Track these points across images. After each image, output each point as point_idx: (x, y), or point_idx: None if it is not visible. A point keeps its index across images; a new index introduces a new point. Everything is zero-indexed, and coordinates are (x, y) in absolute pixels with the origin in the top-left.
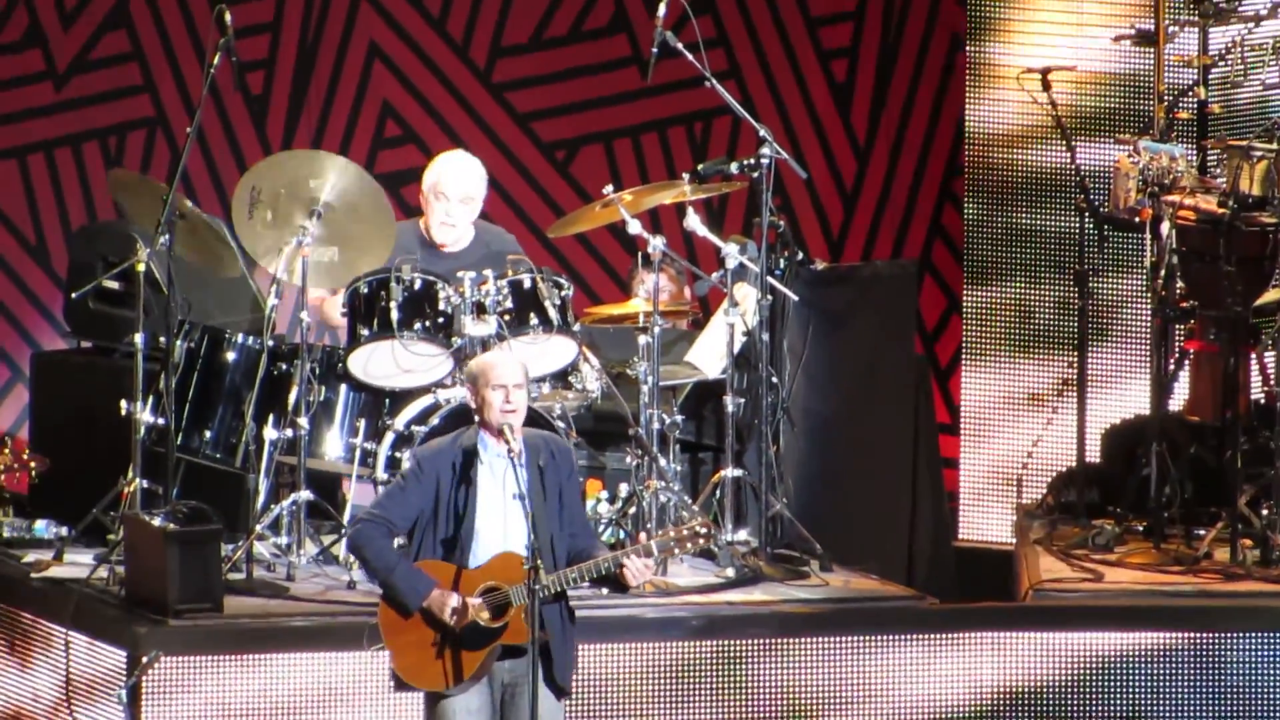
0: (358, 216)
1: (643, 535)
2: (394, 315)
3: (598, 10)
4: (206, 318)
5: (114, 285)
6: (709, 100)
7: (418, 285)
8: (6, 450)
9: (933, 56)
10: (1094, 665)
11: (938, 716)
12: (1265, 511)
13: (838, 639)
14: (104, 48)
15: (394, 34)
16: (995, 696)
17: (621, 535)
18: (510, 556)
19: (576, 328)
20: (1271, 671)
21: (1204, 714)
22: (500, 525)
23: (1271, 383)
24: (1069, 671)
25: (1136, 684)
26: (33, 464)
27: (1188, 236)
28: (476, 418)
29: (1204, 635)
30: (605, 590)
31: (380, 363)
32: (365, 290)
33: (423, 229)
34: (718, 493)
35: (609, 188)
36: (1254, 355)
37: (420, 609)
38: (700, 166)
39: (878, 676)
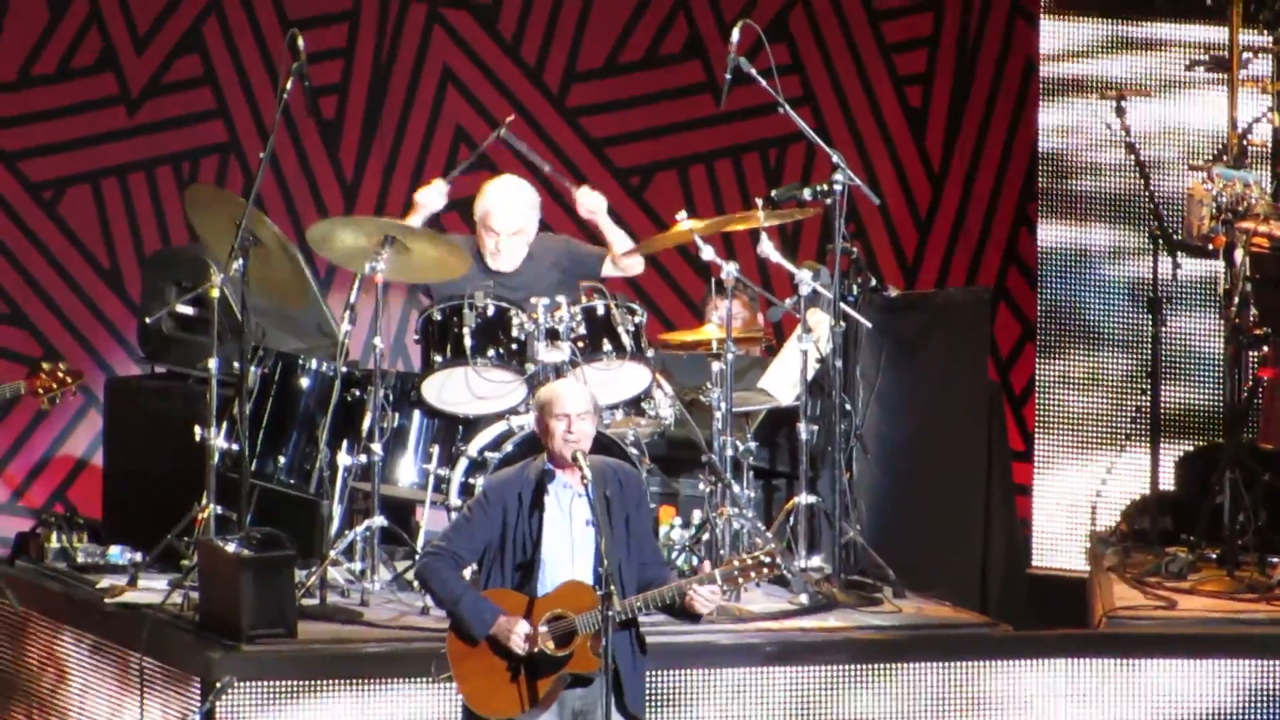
0: (414, 256)
1: (706, 564)
2: (467, 342)
3: (672, 36)
4: (280, 344)
5: (188, 310)
6: (783, 127)
7: (491, 312)
8: (43, 373)
9: (1007, 81)
10: (1168, 693)
11: None
12: None
13: (911, 665)
14: (177, 71)
15: (467, 59)
16: (1075, 717)
17: (695, 561)
18: (577, 585)
19: (650, 354)
20: None
21: None
22: (568, 554)
23: None
24: (1143, 699)
25: (1211, 713)
26: (69, 379)
27: (1262, 264)
28: (545, 447)
29: (1278, 664)
30: (677, 619)
31: (454, 389)
32: (439, 317)
33: (480, 254)
34: (791, 519)
35: (683, 214)
36: None
37: (486, 637)
38: (774, 193)
39: (951, 703)
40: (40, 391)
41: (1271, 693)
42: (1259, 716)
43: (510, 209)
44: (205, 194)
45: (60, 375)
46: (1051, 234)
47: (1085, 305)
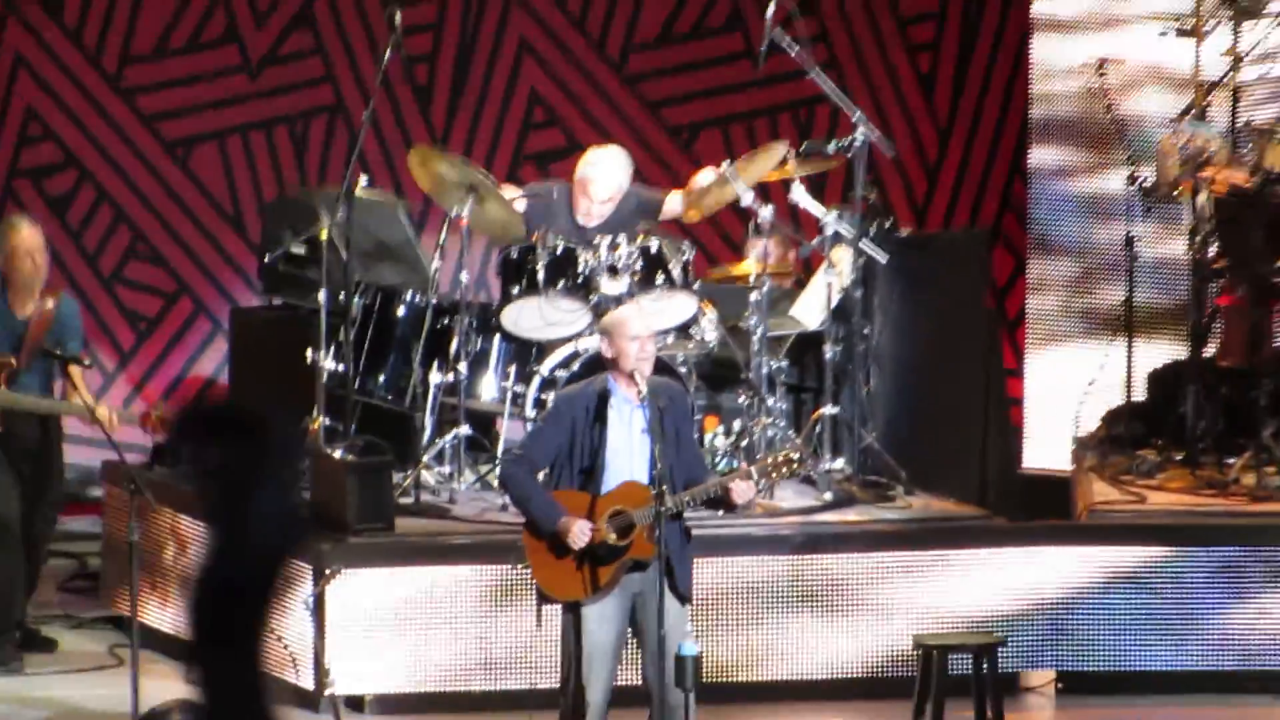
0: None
1: (744, 466)
2: (540, 276)
3: (716, 10)
4: (379, 279)
5: (300, 250)
6: (812, 89)
7: (559, 250)
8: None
9: (1005, 49)
10: (1140, 576)
11: (1005, 617)
12: None
13: (920, 553)
14: (291, 44)
15: (541, 31)
16: (1054, 603)
17: (735, 464)
18: (634, 485)
19: (696, 286)
20: None
21: (1233, 617)
22: (627, 458)
23: None
24: (1118, 580)
25: (1176, 591)
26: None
27: (1221, 207)
28: (610, 365)
29: (1233, 550)
30: (720, 511)
31: (528, 317)
32: (515, 255)
33: (571, 205)
34: (817, 428)
35: (726, 163)
36: (1277, 309)
37: (557, 529)
38: (804, 145)
39: (953, 584)
40: (149, 430)
41: (1228, 573)
42: (1217, 594)
43: (606, 179)
44: (424, 154)
45: (161, 420)
46: (1041, 183)
47: (1070, 244)
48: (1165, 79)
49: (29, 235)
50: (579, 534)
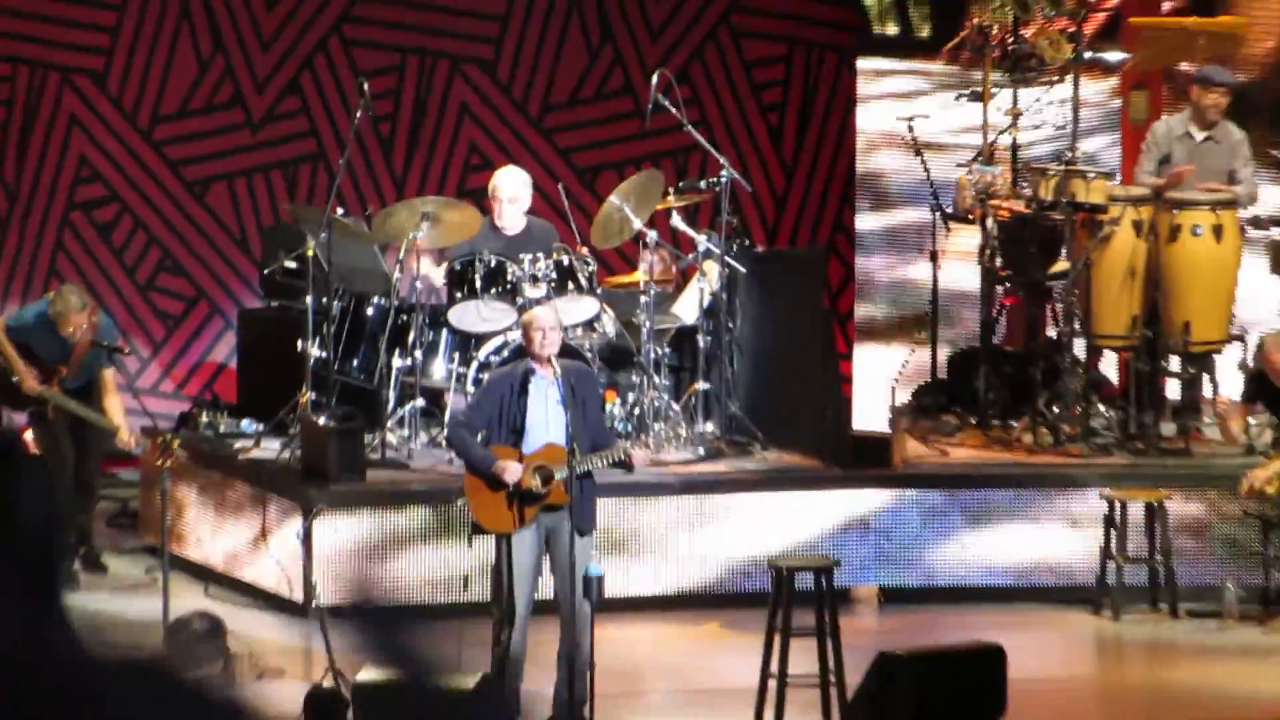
0: (442, 222)
1: (624, 442)
2: (478, 284)
3: (613, 78)
4: (353, 286)
5: (292, 265)
6: (687, 140)
7: (493, 264)
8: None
9: (836, 108)
10: (943, 512)
11: (838, 543)
12: (1055, 410)
13: (774, 494)
14: (284, 106)
15: (476, 96)
16: (877, 532)
17: (629, 429)
18: (554, 446)
19: (599, 292)
20: (1057, 513)
21: (1013, 543)
22: (544, 424)
23: (1060, 324)
24: (925, 515)
25: (970, 524)
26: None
27: (1004, 228)
28: (530, 352)
29: (1015, 491)
30: (623, 471)
31: (469, 315)
32: (458, 268)
33: (492, 220)
34: (692, 399)
35: (616, 197)
36: (1048, 307)
37: (490, 474)
38: (681, 183)
39: (798, 519)
40: (160, 462)
41: (1010, 509)
42: (1002, 525)
43: (508, 183)
44: (386, 211)
45: (168, 452)
46: (865, 211)
47: (888, 258)
48: (961, 132)
49: (75, 307)
50: (512, 472)
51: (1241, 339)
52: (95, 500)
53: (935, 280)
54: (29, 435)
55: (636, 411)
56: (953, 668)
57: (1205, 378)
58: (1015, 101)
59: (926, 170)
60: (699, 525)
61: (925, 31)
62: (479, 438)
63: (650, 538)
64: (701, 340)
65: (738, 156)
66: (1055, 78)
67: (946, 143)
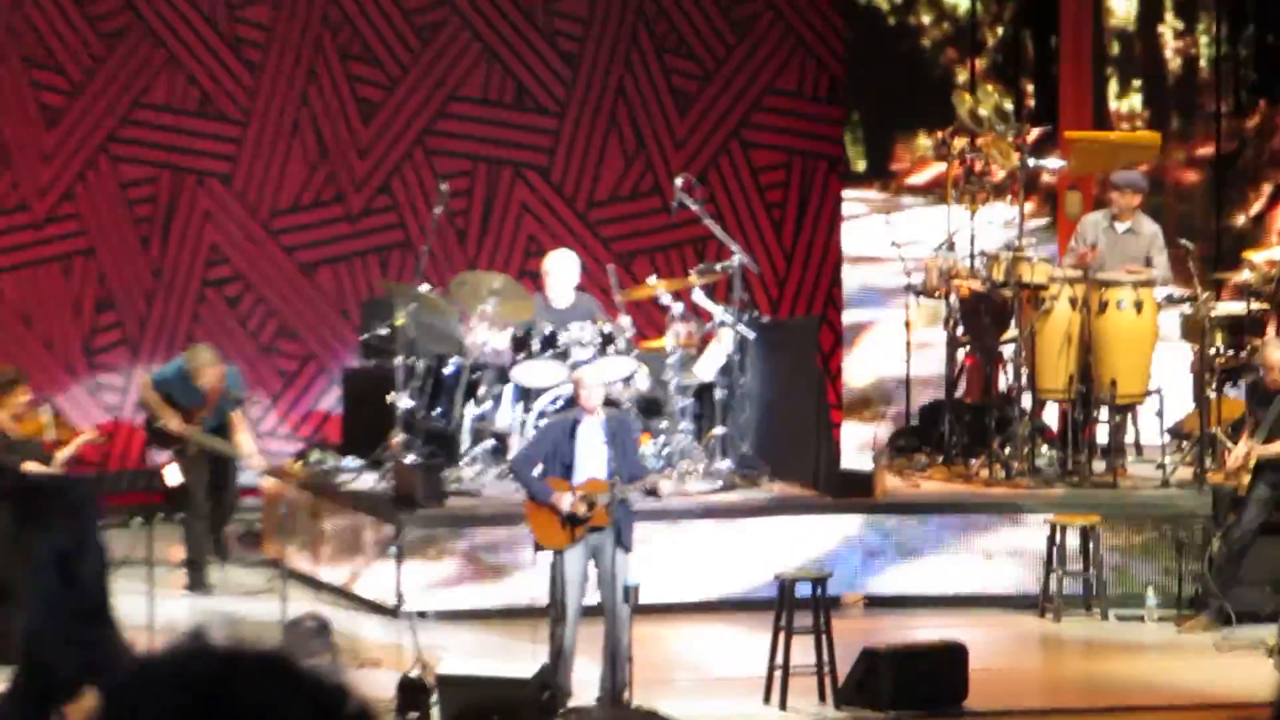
0: (506, 298)
1: (654, 475)
2: (536, 347)
3: (645, 180)
4: (435, 349)
5: (385, 331)
6: (705, 230)
7: (548, 331)
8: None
9: (827, 204)
10: (917, 535)
11: (832, 558)
12: (1006, 450)
13: (778, 519)
14: (377, 203)
15: (535, 197)
16: (863, 549)
17: (660, 465)
18: (596, 480)
19: (634, 354)
20: (1008, 535)
21: (975, 558)
22: (590, 461)
23: (1010, 381)
24: (903, 536)
25: (939, 542)
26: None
27: (964, 303)
28: (578, 402)
29: (975, 516)
30: (653, 497)
31: (529, 373)
32: (521, 334)
33: (545, 295)
34: (711, 441)
35: (653, 277)
36: (1000, 366)
37: (547, 502)
38: (701, 266)
39: (799, 538)
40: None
41: (971, 530)
42: (966, 544)
43: (558, 267)
44: (474, 280)
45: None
46: (851, 288)
47: (874, 326)
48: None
49: (207, 362)
50: (565, 501)
51: (1158, 393)
52: (229, 519)
53: (908, 346)
54: (171, 468)
55: (666, 451)
56: (924, 660)
57: (1129, 424)
58: (974, 200)
59: (901, 258)
60: (717, 544)
61: (861, 165)
62: (536, 471)
63: (677, 554)
64: (718, 393)
65: (746, 243)
66: (1005, 180)
67: (915, 238)
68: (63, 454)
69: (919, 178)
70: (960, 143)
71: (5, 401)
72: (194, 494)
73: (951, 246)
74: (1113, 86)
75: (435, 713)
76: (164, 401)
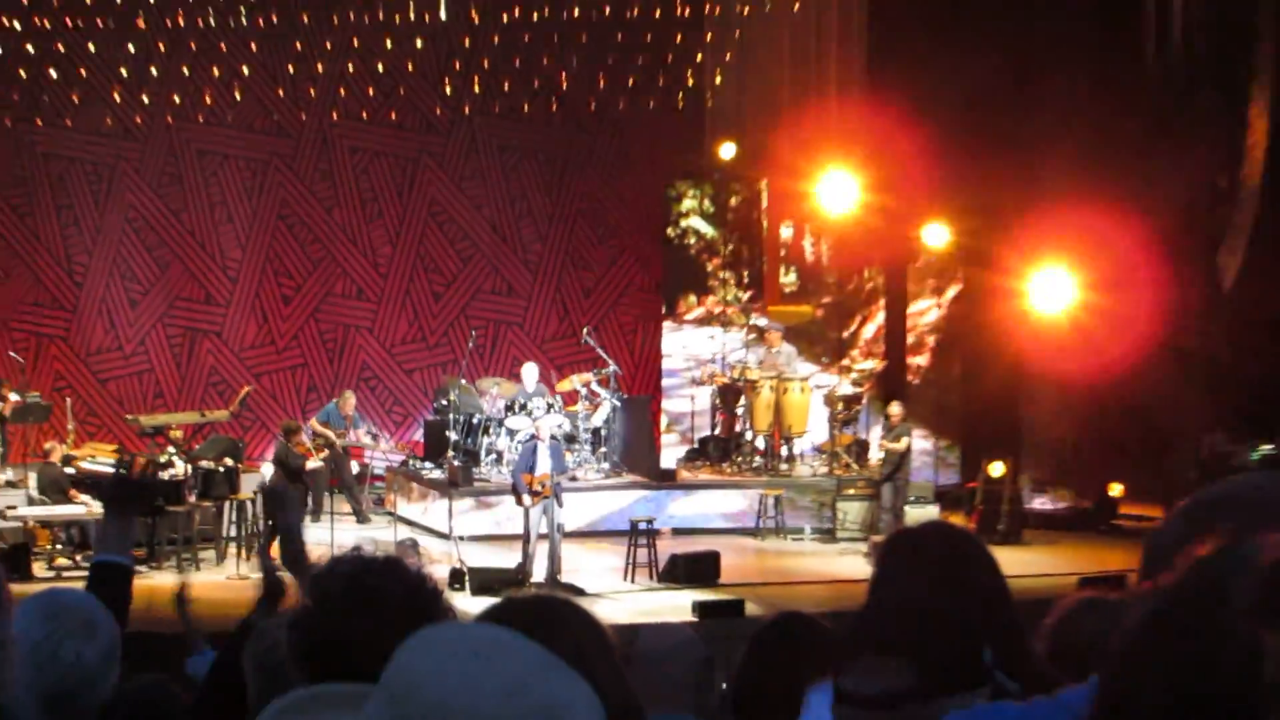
0: (502, 387)
1: (571, 471)
2: (516, 410)
3: (567, 327)
4: (470, 410)
5: (444, 402)
6: (595, 353)
7: (522, 401)
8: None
9: (654, 334)
10: (697, 498)
11: (656, 507)
12: (739, 457)
13: (628, 491)
14: (441, 341)
15: (518, 339)
16: (672, 503)
17: (574, 465)
18: (545, 474)
19: (563, 413)
20: (739, 499)
21: (729, 505)
22: (543, 465)
23: (740, 425)
24: (692, 499)
25: (707, 502)
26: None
27: (721, 390)
28: (538, 435)
29: (725, 491)
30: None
31: (514, 422)
32: (508, 404)
33: (523, 385)
34: (599, 454)
35: (573, 376)
36: (736, 419)
37: (522, 483)
38: (595, 371)
39: (639, 501)
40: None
41: (723, 495)
42: (719, 503)
43: (530, 371)
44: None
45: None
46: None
47: (674, 397)
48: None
49: (349, 404)
50: (529, 484)
51: (810, 430)
52: (361, 489)
53: (694, 408)
54: (314, 461)
55: (577, 459)
56: (699, 559)
57: (795, 445)
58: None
59: (699, 365)
60: (600, 503)
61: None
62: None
63: (581, 508)
64: (603, 431)
65: (616, 358)
66: (740, 324)
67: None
68: (235, 406)
69: (691, 316)
70: (715, 308)
71: (293, 439)
72: (344, 473)
73: (715, 360)
74: (787, 275)
75: (468, 584)
76: (324, 425)
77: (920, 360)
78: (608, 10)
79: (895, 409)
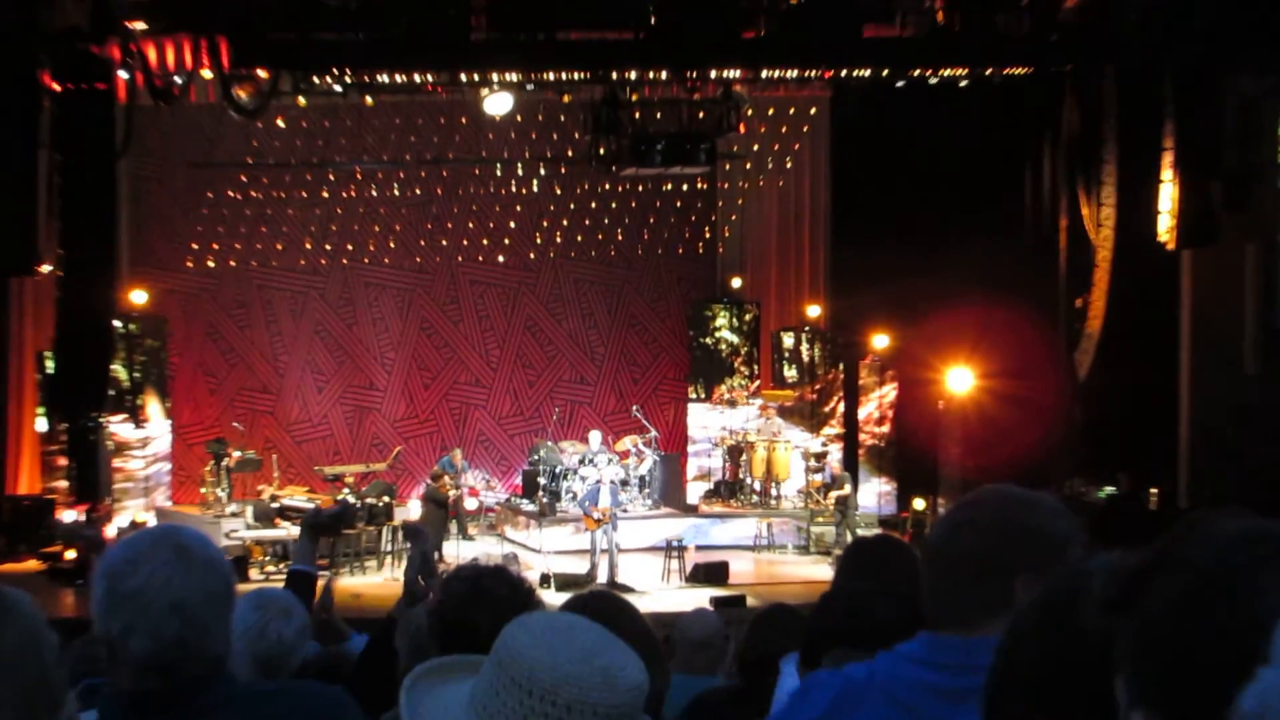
0: (576, 447)
1: (625, 505)
2: (586, 463)
3: (621, 405)
4: (553, 464)
5: (535, 457)
6: (640, 422)
7: (590, 458)
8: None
9: (679, 416)
10: (717, 526)
11: (686, 530)
12: (742, 496)
13: (668, 519)
14: (533, 414)
15: (587, 413)
16: (697, 529)
17: (627, 502)
18: (606, 508)
19: (620, 465)
20: (746, 525)
21: (741, 531)
22: (604, 501)
23: (742, 474)
24: (714, 528)
25: (725, 529)
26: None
27: (729, 448)
28: (600, 480)
29: (740, 520)
30: (624, 513)
31: (586, 472)
32: (580, 459)
33: (590, 446)
34: (645, 494)
35: (626, 439)
36: (739, 469)
37: (590, 516)
38: (640, 435)
39: (674, 525)
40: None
41: (730, 523)
42: (736, 530)
43: (594, 436)
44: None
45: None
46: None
47: (695, 458)
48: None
49: (458, 459)
50: (594, 515)
51: (791, 477)
52: (470, 519)
53: (724, 459)
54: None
55: (629, 498)
56: (712, 568)
57: (783, 488)
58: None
59: (709, 436)
60: (646, 528)
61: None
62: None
63: (632, 531)
64: (648, 479)
65: (659, 427)
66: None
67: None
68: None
69: (716, 399)
70: (725, 393)
71: (439, 481)
72: (458, 506)
73: (724, 429)
74: (788, 370)
75: (553, 584)
76: (441, 472)
77: (872, 427)
78: (650, 185)
79: (837, 466)
